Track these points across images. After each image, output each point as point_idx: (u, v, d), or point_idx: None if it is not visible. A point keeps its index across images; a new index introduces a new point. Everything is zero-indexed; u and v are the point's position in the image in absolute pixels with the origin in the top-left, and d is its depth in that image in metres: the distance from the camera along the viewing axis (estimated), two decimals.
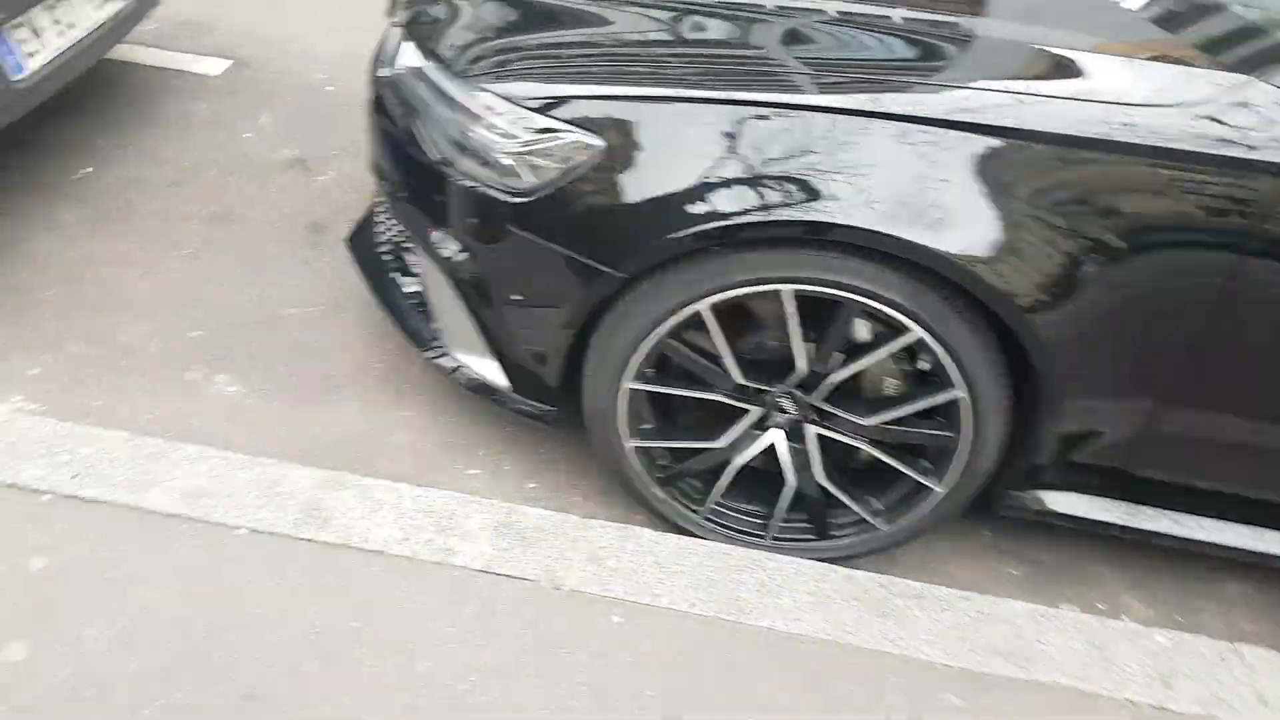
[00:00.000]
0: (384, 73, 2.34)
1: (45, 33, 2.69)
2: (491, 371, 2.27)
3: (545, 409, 2.23)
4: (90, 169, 3.13)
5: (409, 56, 2.30)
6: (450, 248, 2.17)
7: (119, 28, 3.00)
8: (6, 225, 2.89)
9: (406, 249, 2.41)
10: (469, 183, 2.07)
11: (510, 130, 2.04)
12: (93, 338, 2.61)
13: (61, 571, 1.92)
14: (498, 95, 2.07)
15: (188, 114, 3.44)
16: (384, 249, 2.56)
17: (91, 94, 3.47)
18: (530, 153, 2.02)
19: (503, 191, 2.04)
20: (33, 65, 2.64)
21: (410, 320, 2.45)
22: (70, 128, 3.30)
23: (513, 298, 2.12)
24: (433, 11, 2.39)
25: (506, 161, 2.03)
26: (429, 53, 2.26)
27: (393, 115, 2.31)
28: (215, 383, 2.55)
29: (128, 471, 2.13)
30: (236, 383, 2.55)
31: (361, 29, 4.04)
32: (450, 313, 2.26)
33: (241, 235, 2.99)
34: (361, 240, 2.67)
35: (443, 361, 2.37)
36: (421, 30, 2.36)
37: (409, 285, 2.45)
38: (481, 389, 2.32)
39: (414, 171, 2.25)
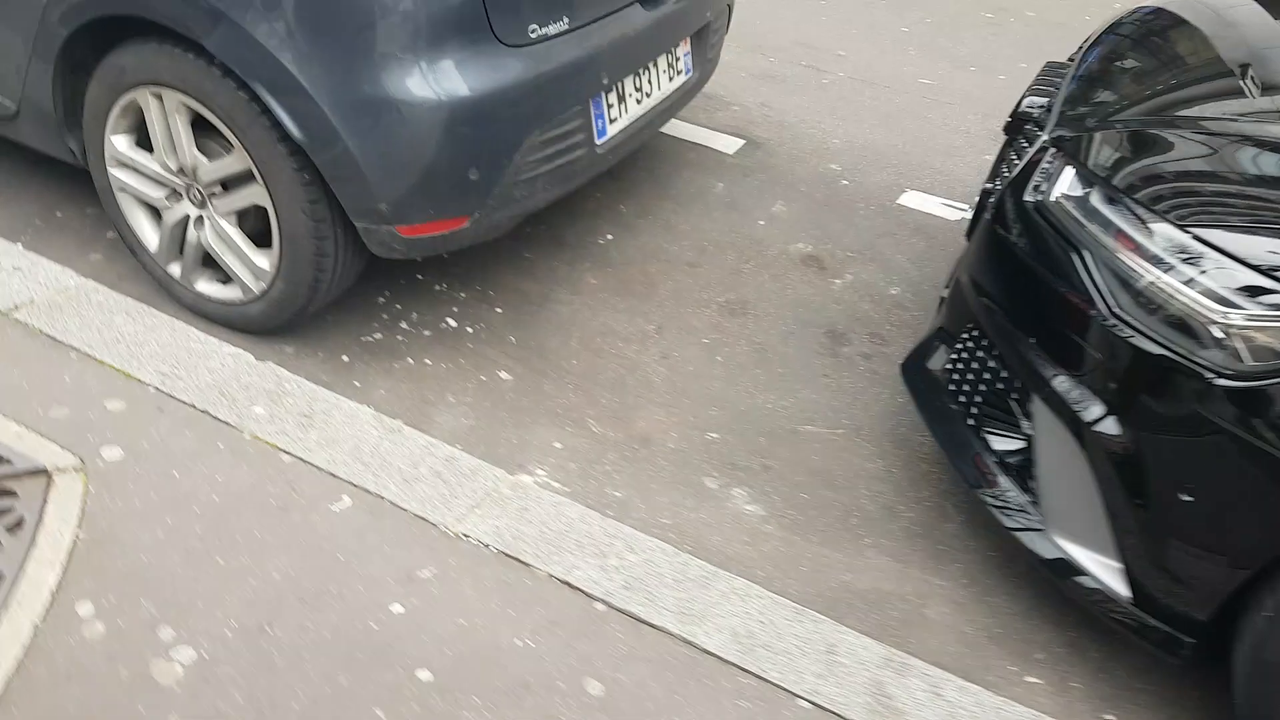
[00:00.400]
0: (1030, 197, 2.00)
1: (628, 99, 2.63)
2: (1106, 572, 1.84)
3: (1176, 638, 1.75)
4: (612, 235, 3.07)
5: (1066, 182, 1.96)
6: (1093, 411, 1.77)
7: (680, 101, 2.92)
8: (536, 282, 2.85)
9: (1012, 396, 2.04)
10: (1146, 343, 1.68)
11: (1219, 291, 1.63)
12: (612, 419, 2.46)
13: (618, 704, 1.69)
14: (1204, 242, 1.67)
15: (704, 191, 3.33)
16: (960, 386, 2.20)
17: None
18: (1258, 328, 1.59)
19: (1200, 365, 1.62)
20: (612, 130, 2.57)
21: (975, 465, 2.08)
22: (595, 191, 3.28)
23: (1182, 497, 1.68)
24: (1098, 134, 2.03)
25: (1215, 331, 1.61)
26: (1092, 179, 1.90)
27: (1028, 243, 1.97)
28: (734, 496, 2.30)
29: (676, 594, 1.89)
30: (756, 501, 2.29)
31: (878, 122, 3.88)
32: (1069, 488, 1.86)
33: (756, 331, 2.78)
34: (919, 367, 2.35)
35: (1010, 522, 1.98)
36: (1078, 152, 2.01)
37: (997, 438, 2.08)
38: (1060, 571, 1.89)
39: (1052, 311, 1.89)
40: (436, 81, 2.08)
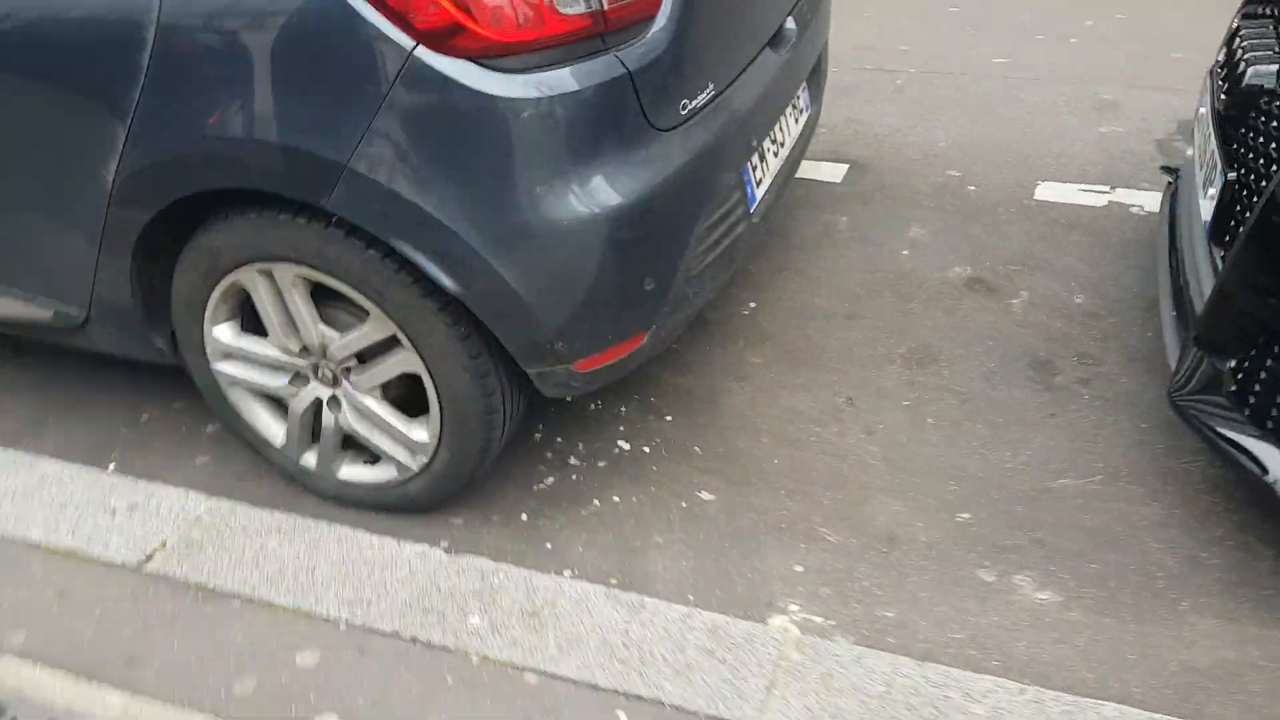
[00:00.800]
0: None
1: (767, 155, 2.30)
2: None
3: None
4: (754, 303, 2.72)
5: None
6: None
7: (806, 142, 2.58)
8: (696, 376, 2.50)
9: None
10: None
11: None
12: (843, 521, 2.11)
13: None
14: None
15: (829, 229, 3.00)
16: (1266, 408, 1.87)
17: None
18: None
19: None
20: (760, 193, 2.24)
21: None
22: None
23: None
24: None
25: None
26: None
27: None
28: (1017, 586, 1.95)
29: None
30: (1045, 586, 1.95)
31: (973, 115, 3.55)
32: None
33: (954, 379, 2.44)
34: (1192, 393, 2.01)
35: None
36: None
37: None
38: None
39: None
40: (600, 189, 1.73)
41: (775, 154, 2.34)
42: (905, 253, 2.87)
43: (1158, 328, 2.54)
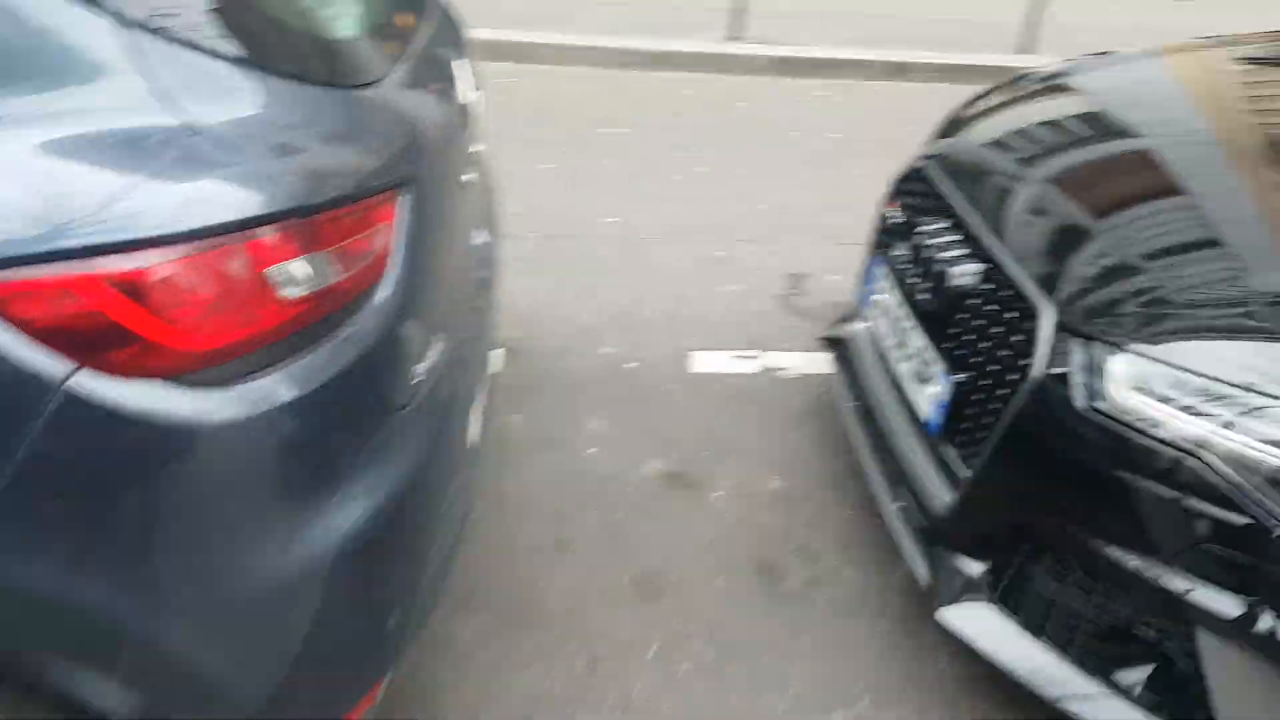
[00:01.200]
0: (1082, 401, 1.68)
1: (478, 393, 1.88)
2: None
3: None
4: None
5: (1126, 378, 1.67)
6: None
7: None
8: (404, 669, 1.93)
9: (1143, 623, 1.73)
10: None
11: None
12: None
13: None
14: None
15: (505, 433, 2.60)
16: (1041, 620, 1.85)
17: None
18: None
19: None
20: (476, 435, 1.82)
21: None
22: None
23: None
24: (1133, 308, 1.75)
25: None
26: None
27: (1120, 455, 1.66)
28: None
29: None
30: None
31: (605, 280, 3.43)
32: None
33: (690, 608, 2.18)
34: (955, 605, 1.96)
35: None
36: (1124, 336, 1.72)
37: (1124, 671, 1.76)
38: None
39: (1193, 530, 1.59)
40: (339, 514, 1.23)
41: (480, 387, 1.95)
42: (592, 451, 2.59)
43: (856, 503, 2.53)
